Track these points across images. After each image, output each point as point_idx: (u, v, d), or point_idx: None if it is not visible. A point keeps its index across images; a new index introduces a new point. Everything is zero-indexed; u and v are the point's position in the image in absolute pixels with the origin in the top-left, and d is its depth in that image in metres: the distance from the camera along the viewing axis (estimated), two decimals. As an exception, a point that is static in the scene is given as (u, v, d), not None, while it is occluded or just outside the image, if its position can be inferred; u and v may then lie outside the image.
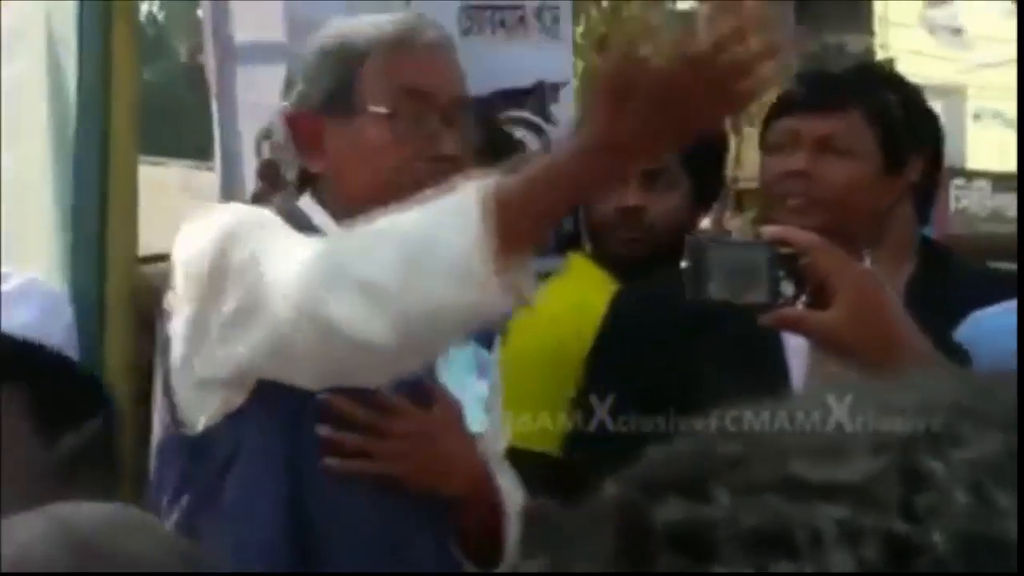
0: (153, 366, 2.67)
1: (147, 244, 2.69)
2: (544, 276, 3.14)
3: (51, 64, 2.66)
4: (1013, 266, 3.98)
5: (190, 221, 2.03)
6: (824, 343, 1.75)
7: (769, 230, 1.74)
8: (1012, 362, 2.27)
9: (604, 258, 2.93)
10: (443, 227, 1.71)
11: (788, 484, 0.52)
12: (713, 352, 2.34)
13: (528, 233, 1.73)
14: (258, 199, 2.79)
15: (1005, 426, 0.53)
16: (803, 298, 1.68)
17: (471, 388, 2.11)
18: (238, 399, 1.94)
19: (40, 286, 2.54)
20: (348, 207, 1.98)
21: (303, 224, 2.01)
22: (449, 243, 1.69)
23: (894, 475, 0.52)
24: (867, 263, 2.44)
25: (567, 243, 3.34)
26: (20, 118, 2.71)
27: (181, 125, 19.03)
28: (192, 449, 2.00)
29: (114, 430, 1.92)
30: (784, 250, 1.68)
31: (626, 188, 2.84)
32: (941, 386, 0.58)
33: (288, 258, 1.82)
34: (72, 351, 2.52)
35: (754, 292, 1.69)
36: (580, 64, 6.63)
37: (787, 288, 1.68)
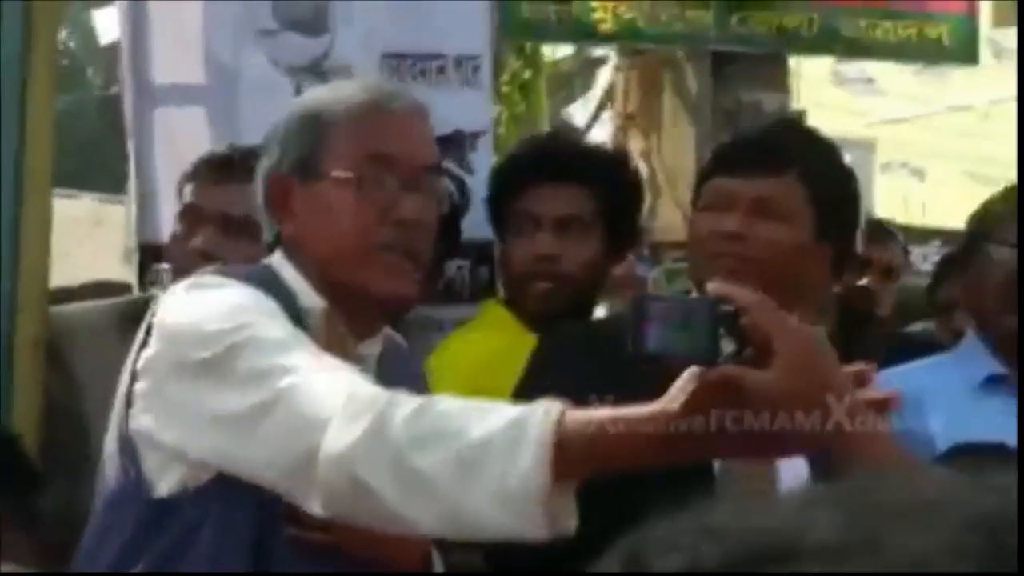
0: (56, 405, 2.65)
1: (61, 276, 2.67)
2: (458, 323, 3.17)
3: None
4: (922, 323, 4.06)
5: (179, 289, 2.02)
6: (762, 403, 1.71)
7: (712, 287, 1.74)
8: (913, 421, 2.32)
9: (518, 305, 2.95)
10: (501, 440, 1.71)
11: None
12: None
13: (580, 473, 1.74)
14: (176, 241, 2.77)
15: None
16: (745, 355, 1.69)
17: None
18: (205, 476, 1.94)
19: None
20: (316, 267, 2.04)
21: (273, 284, 2.03)
22: (503, 460, 1.69)
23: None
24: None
25: (481, 291, 3.36)
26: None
27: (93, 157, 18.84)
28: (153, 511, 1.99)
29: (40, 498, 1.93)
30: (725, 307, 1.69)
31: (539, 234, 2.86)
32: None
33: (333, 397, 1.80)
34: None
35: (694, 347, 1.69)
36: (505, 112, 6.69)
37: (727, 345, 1.69)
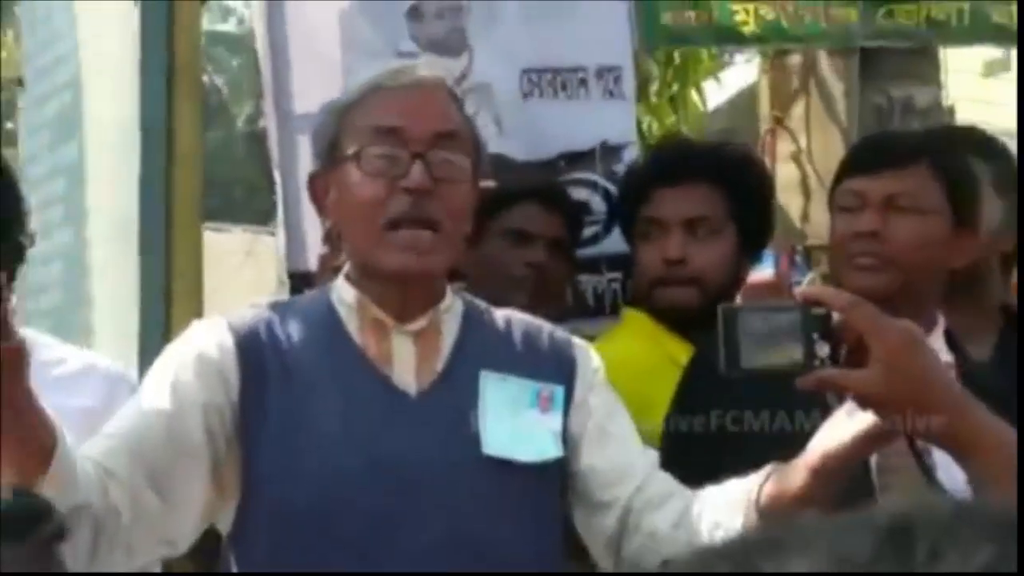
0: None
1: (216, 309, 2.68)
2: (590, 337, 3.13)
3: (111, 144, 2.66)
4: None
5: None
6: (862, 402, 1.74)
7: (801, 291, 1.75)
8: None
9: (656, 311, 2.90)
10: None
11: None
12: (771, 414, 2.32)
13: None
14: (324, 263, 2.79)
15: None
16: (840, 358, 1.68)
17: (532, 421, 2.10)
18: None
19: (102, 367, 2.52)
20: (353, 264, 2.12)
21: (320, 309, 2.12)
22: None
23: None
24: (940, 323, 2.40)
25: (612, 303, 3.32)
26: (83, 199, 2.72)
27: (241, 190, 19.18)
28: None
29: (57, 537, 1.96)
30: (816, 310, 1.68)
31: (668, 238, 2.82)
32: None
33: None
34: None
35: (788, 355, 1.68)
36: (655, 122, 6.63)
37: (822, 349, 1.68)
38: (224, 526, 2.07)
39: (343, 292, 2.12)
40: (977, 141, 2.85)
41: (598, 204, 3.34)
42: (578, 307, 3.30)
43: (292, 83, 3.36)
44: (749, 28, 3.93)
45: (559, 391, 2.14)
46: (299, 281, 3.29)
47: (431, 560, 1.97)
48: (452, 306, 2.15)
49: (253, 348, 2.05)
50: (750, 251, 2.98)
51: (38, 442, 1.76)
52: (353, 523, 1.98)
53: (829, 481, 1.83)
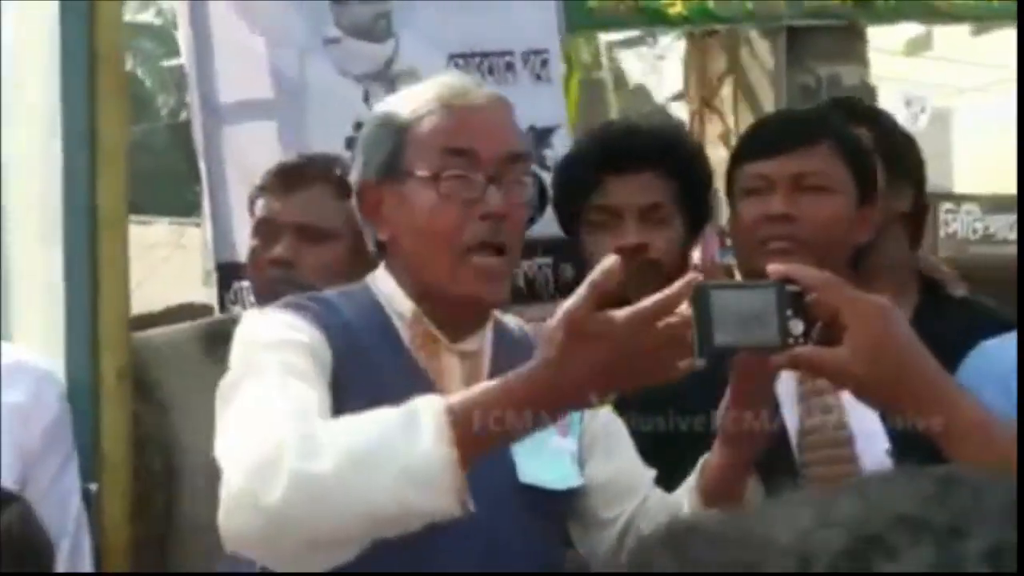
0: (145, 430, 2.63)
1: (143, 303, 2.64)
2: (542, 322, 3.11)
3: (32, 138, 2.62)
4: (1003, 290, 3.95)
5: (252, 316, 2.08)
6: (838, 381, 1.74)
7: (773, 268, 1.72)
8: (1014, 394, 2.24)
9: (613, 299, 2.87)
10: (396, 428, 1.73)
11: None
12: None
13: (478, 446, 1.75)
14: (254, 256, 2.74)
15: (946, 536, 0.51)
16: (813, 336, 1.66)
17: (552, 445, 2.12)
18: None
19: (29, 364, 2.48)
20: (409, 270, 2.07)
21: (355, 300, 2.08)
22: (404, 444, 1.72)
23: None
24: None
25: (565, 288, 3.30)
26: (7, 194, 2.67)
27: (166, 183, 19.01)
28: None
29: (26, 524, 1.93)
30: (790, 288, 1.66)
31: (623, 226, 2.80)
32: (887, 493, 0.56)
33: (241, 433, 1.84)
34: (65, 427, 2.47)
35: (763, 334, 1.66)
36: (574, 113, 6.62)
37: (796, 327, 1.66)
38: None
39: (398, 303, 2.09)
40: (858, 111, 2.88)
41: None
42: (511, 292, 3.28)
43: (216, 72, 3.32)
44: (676, 9, 3.93)
45: (576, 416, 2.15)
46: (227, 272, 3.26)
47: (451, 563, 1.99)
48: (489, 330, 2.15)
49: (338, 338, 2.01)
50: (692, 236, 2.98)
51: None
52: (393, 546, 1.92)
53: (738, 446, 1.96)
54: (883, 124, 2.81)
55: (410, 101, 2.11)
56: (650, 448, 2.27)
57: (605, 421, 2.20)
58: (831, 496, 0.56)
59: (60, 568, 2.38)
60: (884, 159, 2.66)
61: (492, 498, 1.99)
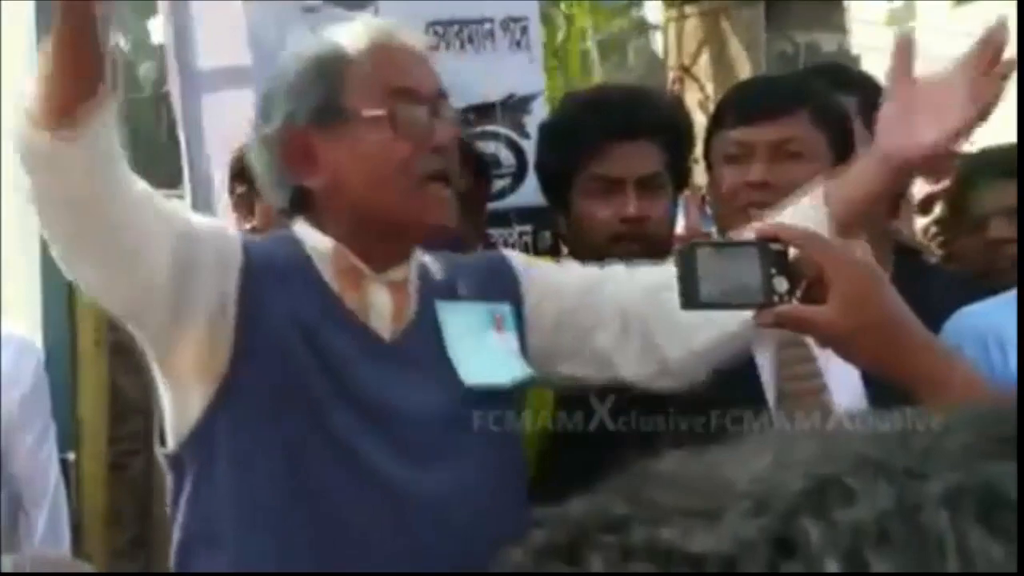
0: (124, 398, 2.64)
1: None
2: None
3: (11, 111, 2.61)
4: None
5: None
6: (821, 339, 1.74)
7: (758, 227, 1.73)
8: (994, 357, 2.25)
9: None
10: None
11: (656, 552, 0.50)
12: None
13: None
14: (239, 226, 2.74)
15: (905, 478, 0.51)
16: (797, 294, 1.67)
17: (494, 344, 2.17)
18: (194, 416, 2.06)
19: (7, 334, 2.49)
20: (349, 219, 2.10)
21: (293, 252, 2.12)
22: None
23: (764, 542, 0.49)
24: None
25: (544, 256, 3.29)
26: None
27: (149, 153, 18.95)
28: (175, 471, 2.12)
29: None
30: (774, 246, 1.66)
31: (624, 196, 2.75)
32: (848, 434, 0.56)
33: None
34: (43, 395, 2.47)
35: (747, 292, 1.67)
36: (553, 80, 6.60)
37: (780, 285, 1.66)
38: (196, 401, 2.05)
39: (313, 239, 2.14)
40: (841, 76, 2.88)
41: (507, 157, 3.32)
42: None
43: (196, 40, 3.30)
44: (655, -23, 3.91)
45: (508, 309, 2.20)
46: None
47: (417, 487, 2.03)
48: (413, 260, 2.20)
49: (255, 253, 2.08)
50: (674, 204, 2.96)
51: None
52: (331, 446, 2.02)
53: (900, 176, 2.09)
54: (867, 91, 2.81)
55: (341, 43, 2.14)
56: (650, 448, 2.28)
57: (544, 269, 2.28)
58: (790, 439, 0.56)
59: (38, 535, 2.39)
60: (868, 126, 2.66)
61: (443, 412, 2.08)
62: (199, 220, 2.11)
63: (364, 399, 2.05)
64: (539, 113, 3.35)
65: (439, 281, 2.20)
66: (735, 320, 1.97)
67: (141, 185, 1.96)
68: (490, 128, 3.32)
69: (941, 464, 0.51)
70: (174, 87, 3.37)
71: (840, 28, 4.82)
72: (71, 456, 2.51)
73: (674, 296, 1.81)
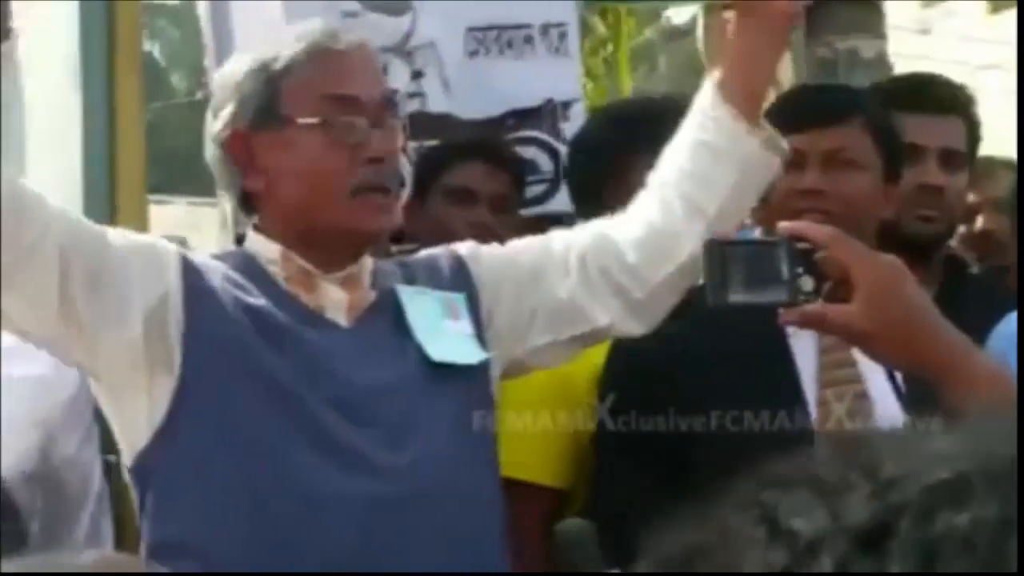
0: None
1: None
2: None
3: (54, 119, 2.63)
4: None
5: None
6: (847, 337, 1.75)
7: (785, 226, 1.73)
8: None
9: None
10: None
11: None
12: (725, 372, 2.32)
13: None
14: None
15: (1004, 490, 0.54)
16: (823, 293, 1.67)
17: (450, 330, 2.18)
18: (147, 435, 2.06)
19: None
20: (292, 224, 2.11)
21: (243, 260, 2.14)
22: None
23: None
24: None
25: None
26: (24, 175, 2.69)
27: (183, 162, 19.01)
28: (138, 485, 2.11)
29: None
30: (801, 245, 1.68)
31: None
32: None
33: None
34: (86, 400, 2.48)
35: (774, 291, 1.68)
36: (590, 85, 6.60)
37: (806, 284, 1.67)
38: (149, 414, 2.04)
39: (260, 247, 2.15)
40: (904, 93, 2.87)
41: (545, 162, 3.31)
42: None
43: (235, 47, 3.31)
44: (693, -18, 3.91)
45: (460, 298, 2.21)
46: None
47: (383, 455, 2.05)
48: (365, 259, 2.21)
49: (194, 269, 2.08)
50: None
51: None
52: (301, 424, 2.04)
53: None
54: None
55: (280, 47, 2.14)
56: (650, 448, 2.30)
57: (490, 253, 2.27)
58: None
59: (81, 538, 2.40)
60: None
61: (408, 385, 2.10)
62: (121, 232, 2.12)
63: (327, 382, 2.06)
64: (578, 119, 3.35)
65: (395, 274, 2.22)
66: (684, 251, 2.06)
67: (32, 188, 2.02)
68: (529, 134, 3.32)
69: None
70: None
71: (879, 34, 4.81)
72: (112, 458, 2.53)
73: (621, 235, 1.98)
